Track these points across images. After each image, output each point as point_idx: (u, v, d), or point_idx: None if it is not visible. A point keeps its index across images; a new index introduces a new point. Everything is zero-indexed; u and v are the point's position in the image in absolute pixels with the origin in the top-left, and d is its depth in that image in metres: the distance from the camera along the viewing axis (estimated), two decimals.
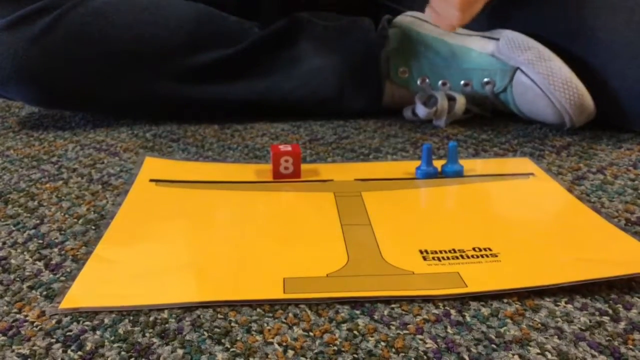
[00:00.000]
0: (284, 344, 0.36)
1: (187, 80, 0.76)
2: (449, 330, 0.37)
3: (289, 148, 0.59)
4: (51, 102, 0.79)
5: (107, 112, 0.80)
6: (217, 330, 0.37)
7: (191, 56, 0.75)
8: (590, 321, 0.38)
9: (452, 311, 0.39)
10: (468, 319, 0.38)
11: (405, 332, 0.37)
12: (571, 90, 0.68)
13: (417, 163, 0.60)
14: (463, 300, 0.40)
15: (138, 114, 0.79)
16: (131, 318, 0.38)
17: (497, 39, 0.74)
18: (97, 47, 0.73)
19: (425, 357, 0.35)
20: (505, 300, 0.40)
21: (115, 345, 0.36)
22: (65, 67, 0.73)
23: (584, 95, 0.68)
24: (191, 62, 0.76)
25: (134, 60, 0.74)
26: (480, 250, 0.45)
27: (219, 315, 0.38)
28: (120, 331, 0.37)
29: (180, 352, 0.35)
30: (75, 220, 0.52)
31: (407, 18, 0.79)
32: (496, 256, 0.44)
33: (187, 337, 0.36)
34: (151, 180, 0.59)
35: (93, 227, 0.50)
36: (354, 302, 0.39)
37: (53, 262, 0.45)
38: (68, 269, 0.44)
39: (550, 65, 0.69)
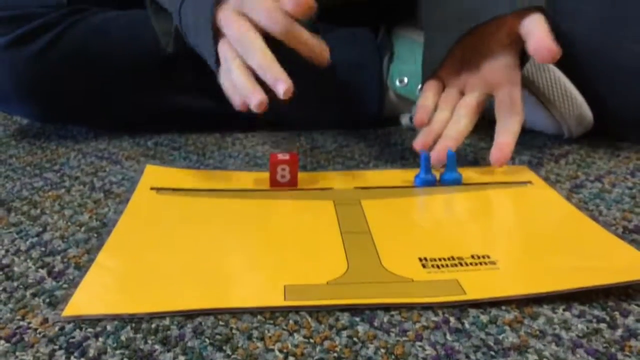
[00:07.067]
0: (285, 350, 0.36)
1: (191, 91, 0.76)
2: (448, 337, 0.37)
3: (286, 156, 0.59)
4: (53, 118, 0.79)
5: (111, 126, 0.80)
6: (218, 337, 0.37)
7: (193, 67, 0.76)
8: (587, 328, 0.38)
9: (451, 318, 0.39)
10: (467, 326, 0.38)
11: (404, 339, 0.37)
12: (570, 101, 0.68)
13: (416, 171, 0.61)
14: (462, 307, 0.40)
15: (141, 127, 0.79)
16: (133, 325, 0.39)
17: None
18: (98, 62, 0.73)
19: None
20: (503, 308, 0.40)
21: (118, 352, 0.36)
22: (67, 83, 0.73)
23: (582, 106, 0.68)
24: (193, 73, 0.76)
25: (135, 74, 0.75)
26: (478, 257, 0.45)
27: (220, 322, 0.39)
28: (123, 338, 0.37)
29: (182, 358, 0.36)
30: (78, 228, 0.52)
31: (406, 27, 0.80)
32: (494, 264, 0.44)
33: (189, 344, 0.37)
34: (152, 189, 0.59)
35: (95, 235, 0.51)
36: (354, 309, 0.40)
37: (56, 269, 0.45)
38: (71, 277, 0.44)
39: (549, 76, 0.69)
